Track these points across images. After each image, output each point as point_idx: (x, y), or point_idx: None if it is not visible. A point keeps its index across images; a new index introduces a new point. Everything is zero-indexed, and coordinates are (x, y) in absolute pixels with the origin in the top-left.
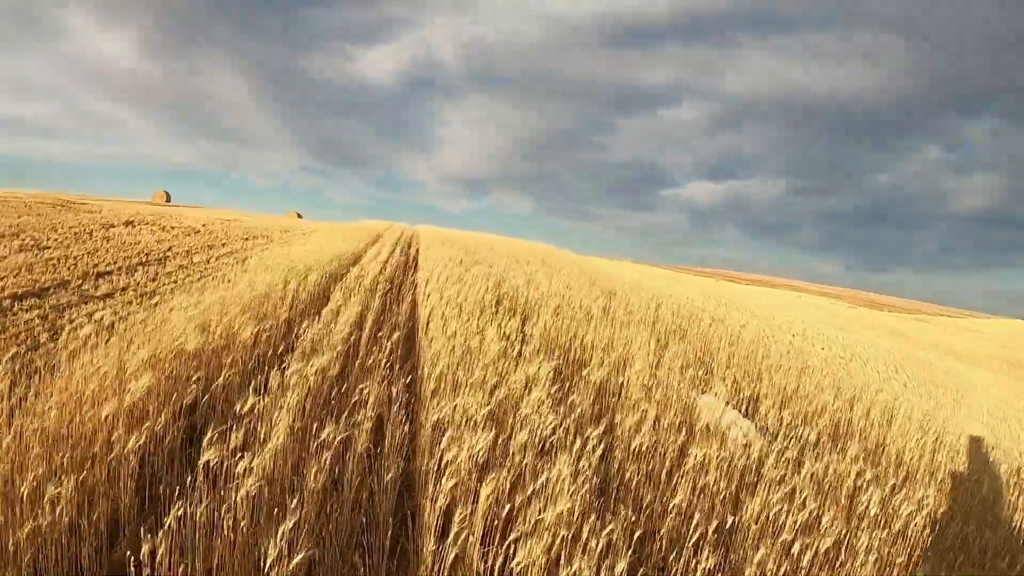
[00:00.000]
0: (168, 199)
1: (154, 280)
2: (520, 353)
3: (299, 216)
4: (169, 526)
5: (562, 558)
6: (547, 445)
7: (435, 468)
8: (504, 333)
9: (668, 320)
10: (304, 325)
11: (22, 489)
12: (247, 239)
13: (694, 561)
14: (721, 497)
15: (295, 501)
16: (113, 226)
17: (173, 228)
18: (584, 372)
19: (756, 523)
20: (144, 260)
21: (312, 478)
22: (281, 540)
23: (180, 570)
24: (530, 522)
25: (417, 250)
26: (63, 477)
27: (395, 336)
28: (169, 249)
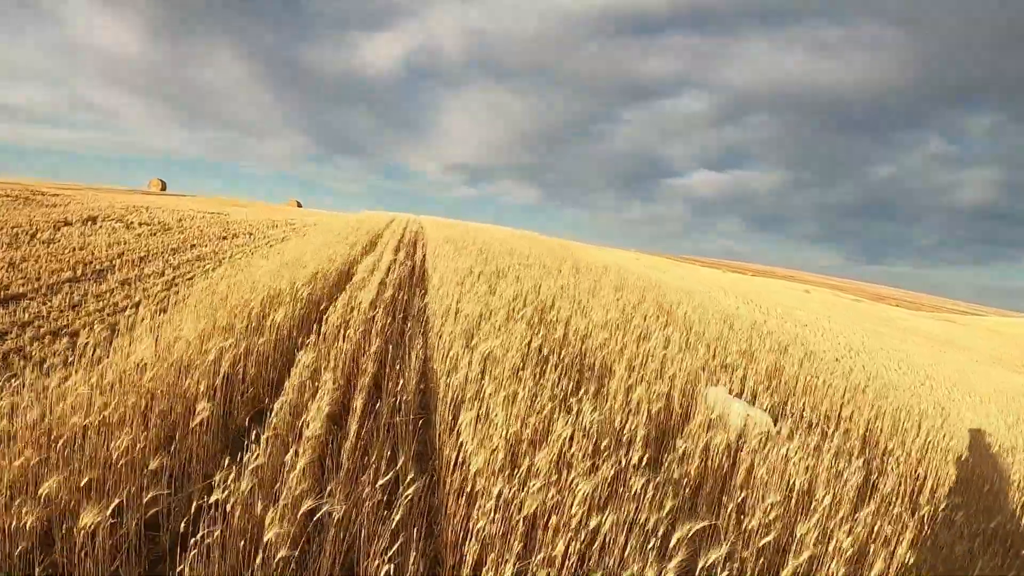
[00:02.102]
0: (164, 187)
1: (75, 307)
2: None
3: (299, 205)
4: None
5: None
6: None
7: None
8: (582, 425)
9: (787, 369)
10: (227, 466)
11: None
12: (224, 238)
13: None
14: None
15: None
16: (68, 224)
17: (141, 225)
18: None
19: None
20: (80, 273)
21: None
22: None
23: None
24: None
25: (424, 256)
26: None
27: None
28: (120, 255)
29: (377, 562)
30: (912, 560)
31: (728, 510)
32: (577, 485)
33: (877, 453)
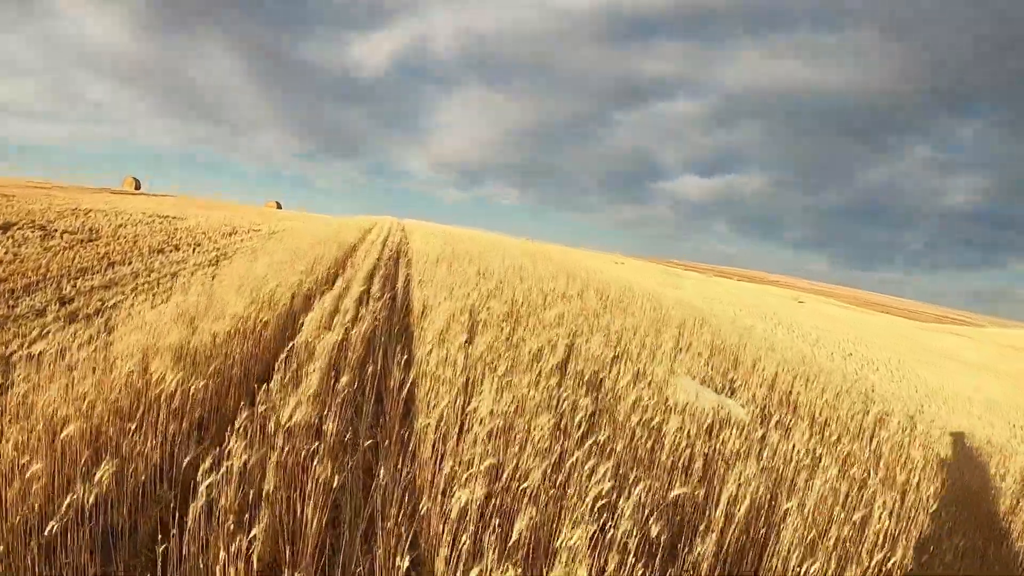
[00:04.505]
0: (138, 186)
1: None
2: None
3: (278, 206)
4: None
5: None
6: None
7: None
8: None
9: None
10: None
11: None
12: (160, 251)
13: None
14: None
15: None
16: None
17: (64, 235)
18: None
19: None
20: None
21: None
22: None
23: None
24: None
25: (408, 280)
26: None
27: None
28: None
29: None
30: None
31: None
32: None
33: None
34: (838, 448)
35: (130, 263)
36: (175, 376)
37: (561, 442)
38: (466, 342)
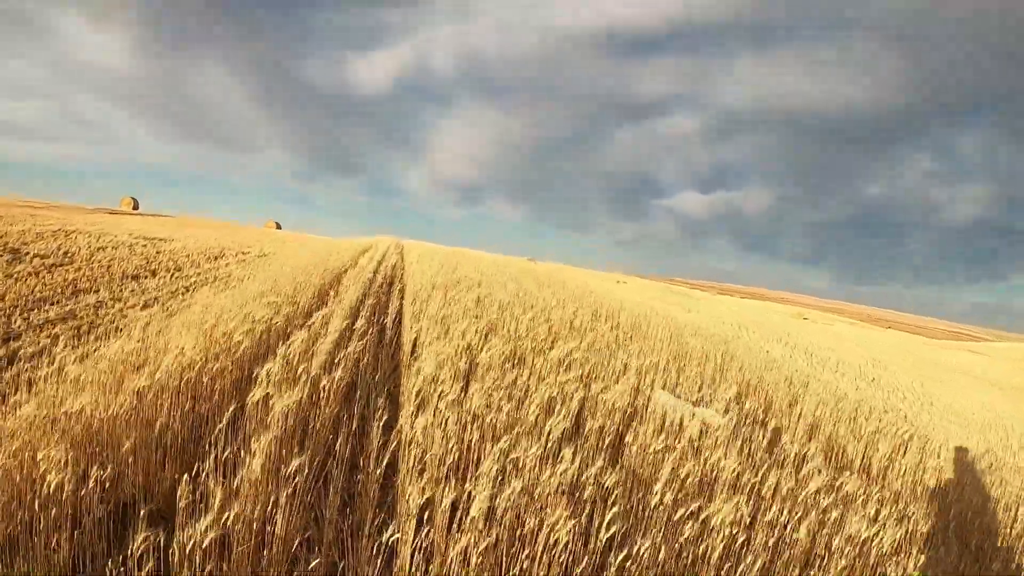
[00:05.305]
0: (136, 206)
1: None
2: None
3: (278, 226)
4: None
5: None
6: None
7: None
8: None
9: None
10: None
11: None
12: (135, 277)
13: None
14: None
15: None
16: None
17: (35, 258)
18: None
19: None
20: None
21: None
22: None
23: None
24: None
25: (400, 311)
26: None
27: None
28: None
29: None
30: None
31: None
32: None
33: None
34: (913, 522)
35: (97, 291)
36: (59, 469)
37: (582, 550)
38: (461, 393)
